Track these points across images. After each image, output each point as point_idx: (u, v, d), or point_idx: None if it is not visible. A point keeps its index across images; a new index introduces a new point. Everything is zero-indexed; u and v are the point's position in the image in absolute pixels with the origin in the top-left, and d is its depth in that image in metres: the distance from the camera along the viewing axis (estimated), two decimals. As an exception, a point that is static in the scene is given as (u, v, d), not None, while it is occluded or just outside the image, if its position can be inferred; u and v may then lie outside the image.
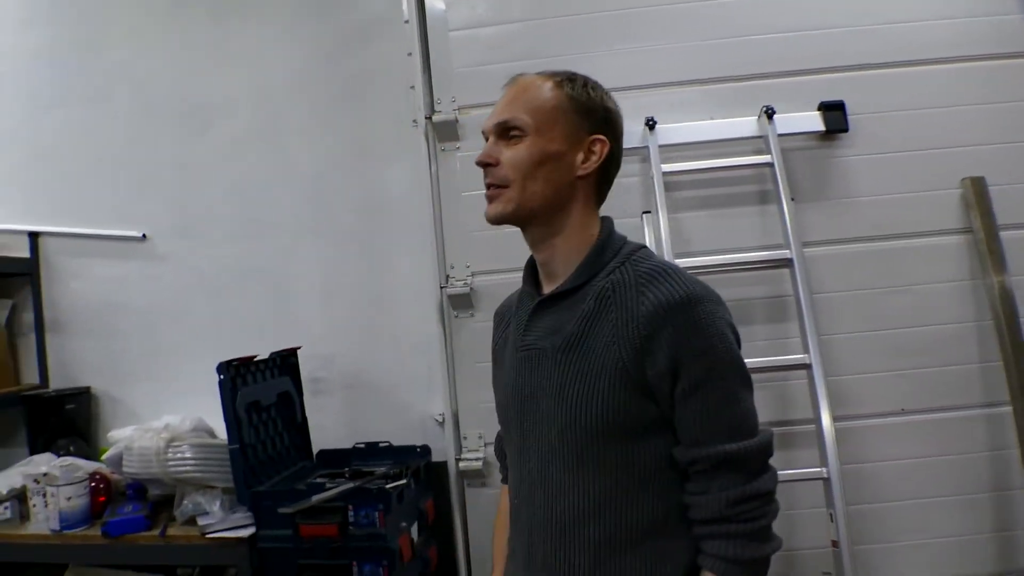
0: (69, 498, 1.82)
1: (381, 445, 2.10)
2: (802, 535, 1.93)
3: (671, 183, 2.09)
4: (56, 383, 2.35)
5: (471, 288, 2.17)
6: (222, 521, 1.79)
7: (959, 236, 2.08)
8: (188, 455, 1.82)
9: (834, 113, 2.07)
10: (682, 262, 1.85)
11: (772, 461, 0.94)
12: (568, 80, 0.98)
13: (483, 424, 2.17)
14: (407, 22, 2.23)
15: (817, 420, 1.85)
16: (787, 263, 1.95)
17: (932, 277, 2.08)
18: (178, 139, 2.38)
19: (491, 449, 2.15)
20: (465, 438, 2.19)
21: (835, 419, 1.91)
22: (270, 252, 2.33)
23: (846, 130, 2.08)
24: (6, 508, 1.90)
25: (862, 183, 2.10)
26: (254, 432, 1.88)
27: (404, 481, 1.79)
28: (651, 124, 2.06)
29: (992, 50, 2.08)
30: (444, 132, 2.22)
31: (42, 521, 1.85)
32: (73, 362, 2.38)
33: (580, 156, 0.97)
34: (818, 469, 1.83)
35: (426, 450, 2.11)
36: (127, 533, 1.79)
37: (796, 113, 2.08)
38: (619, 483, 0.92)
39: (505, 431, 1.09)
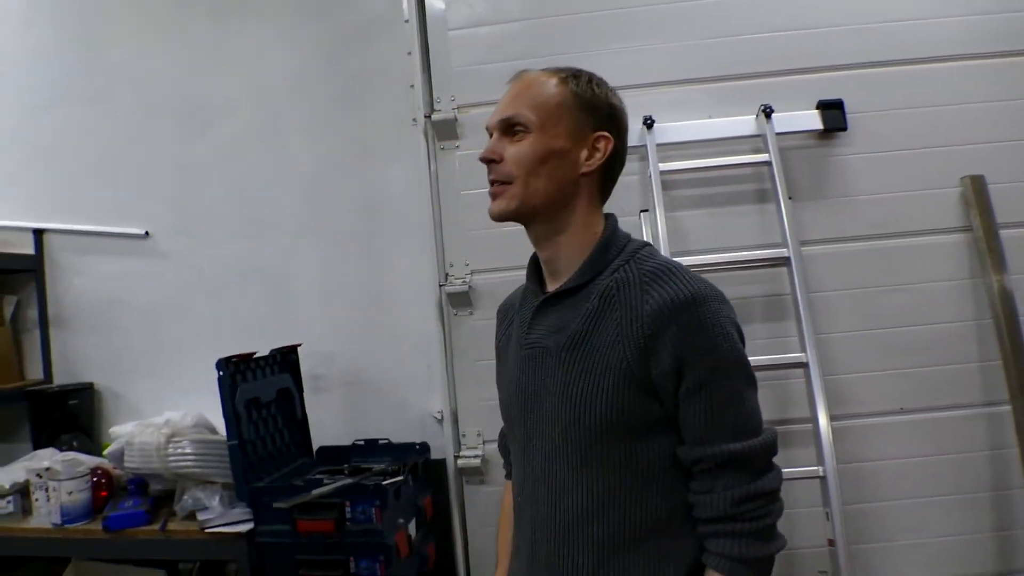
0: (71, 492, 1.83)
1: (380, 442, 2.11)
2: (799, 534, 1.93)
3: (669, 182, 2.09)
4: (60, 379, 2.38)
5: (470, 286, 2.18)
6: (221, 516, 1.81)
7: (958, 235, 2.07)
8: (188, 451, 1.83)
9: (833, 112, 2.07)
10: (680, 260, 1.85)
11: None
12: (573, 76, 0.98)
13: (482, 422, 2.19)
14: (407, 21, 2.24)
15: (814, 419, 1.85)
16: (784, 262, 1.95)
17: (931, 276, 2.07)
18: (179, 138, 2.39)
19: (489, 447, 2.17)
20: (464, 436, 2.20)
21: (834, 418, 1.92)
22: (270, 251, 2.34)
23: (845, 129, 2.07)
24: (9, 502, 1.92)
25: (861, 182, 2.10)
26: (254, 428, 1.89)
27: (401, 478, 1.80)
28: (649, 123, 2.07)
29: (992, 48, 2.08)
30: (443, 131, 2.23)
31: (44, 515, 1.87)
32: (76, 358, 2.40)
33: (584, 153, 0.96)
34: (814, 468, 1.82)
35: (425, 447, 2.12)
36: (127, 527, 1.80)
37: (795, 112, 2.08)
38: (623, 482, 0.92)
39: (509, 429, 1.09)
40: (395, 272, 2.28)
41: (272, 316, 2.31)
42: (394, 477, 1.81)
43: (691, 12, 2.15)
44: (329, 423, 2.23)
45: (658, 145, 2.06)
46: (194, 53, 2.39)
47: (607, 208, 1.03)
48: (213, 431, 1.99)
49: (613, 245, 0.98)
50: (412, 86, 2.22)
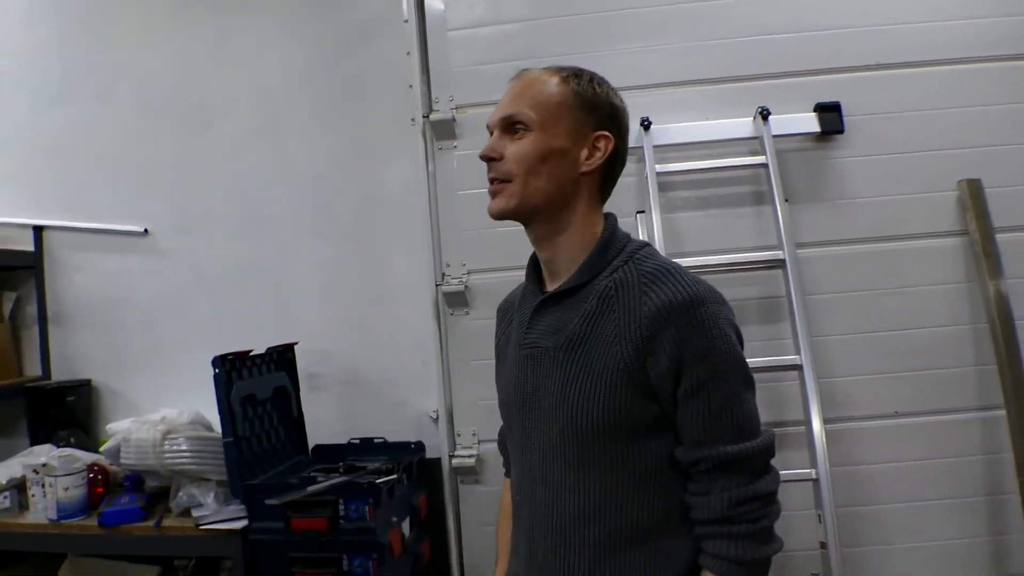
0: (67, 488, 1.85)
1: (376, 441, 2.12)
2: (791, 536, 1.90)
3: (666, 183, 2.10)
4: (58, 375, 2.39)
5: (466, 286, 2.18)
6: (216, 513, 1.82)
7: (955, 238, 2.07)
8: (184, 447, 1.84)
9: (830, 114, 2.07)
10: (678, 262, 1.86)
11: None
12: (574, 76, 0.97)
13: (477, 421, 2.19)
14: (406, 22, 2.25)
15: (807, 421, 1.85)
16: (780, 264, 1.96)
17: (927, 279, 2.07)
18: (179, 137, 2.41)
19: (484, 447, 2.17)
20: (459, 435, 2.20)
21: (829, 420, 1.93)
22: (269, 249, 2.36)
23: (842, 131, 2.07)
24: (5, 497, 1.93)
25: (858, 184, 2.10)
26: (249, 426, 1.91)
27: (395, 476, 1.81)
28: (646, 124, 2.07)
29: (990, 52, 2.07)
30: (441, 131, 2.23)
31: (40, 511, 1.88)
32: (75, 354, 2.41)
33: (584, 152, 0.96)
34: (807, 470, 1.83)
35: (420, 446, 2.13)
36: (123, 523, 1.82)
37: (792, 114, 2.08)
38: (620, 482, 0.92)
39: (507, 428, 1.09)
40: (392, 271, 2.29)
41: (270, 314, 2.32)
42: (388, 476, 1.81)
43: (689, 14, 2.16)
44: (325, 421, 2.24)
45: (655, 146, 2.07)
46: (195, 52, 2.41)
47: (606, 208, 1.03)
48: (209, 428, 2.00)
49: (612, 245, 0.97)
50: (411, 86, 2.23)
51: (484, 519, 2.15)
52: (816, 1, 2.12)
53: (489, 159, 0.97)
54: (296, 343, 2.17)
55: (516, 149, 0.95)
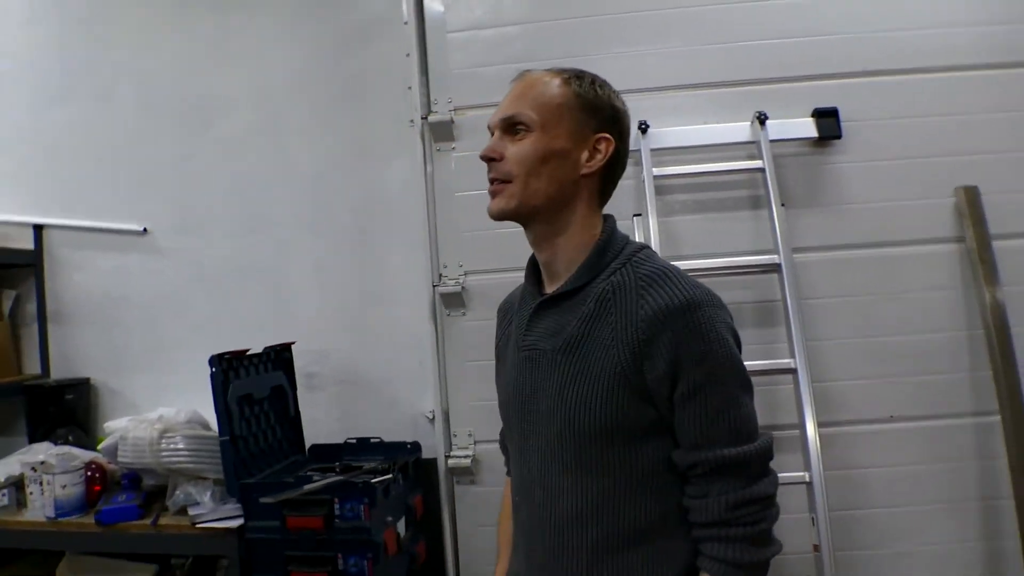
0: (64, 486, 1.85)
1: (372, 441, 2.12)
2: (785, 539, 1.90)
3: (663, 186, 2.11)
4: (57, 373, 2.40)
5: (463, 287, 2.19)
6: (212, 512, 1.83)
7: (951, 245, 2.07)
8: (181, 446, 1.85)
9: (827, 120, 2.07)
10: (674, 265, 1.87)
11: None
12: (576, 77, 0.98)
13: (473, 422, 2.20)
14: (406, 23, 2.26)
15: (801, 424, 1.86)
16: (776, 268, 1.96)
17: (924, 285, 2.07)
18: (180, 136, 2.41)
19: (480, 447, 2.18)
20: (455, 435, 2.21)
21: (824, 424, 1.93)
22: (268, 249, 2.36)
23: (839, 137, 2.08)
24: (3, 495, 1.94)
25: (855, 190, 2.10)
26: (246, 425, 1.91)
27: (390, 476, 1.81)
28: (644, 128, 2.08)
29: (988, 59, 2.08)
30: (440, 132, 2.24)
31: (38, 508, 1.89)
32: (74, 353, 2.42)
33: (585, 154, 0.96)
34: (801, 474, 1.83)
35: (416, 447, 2.13)
36: (120, 522, 1.82)
37: (790, 119, 2.08)
38: (617, 485, 0.92)
39: (507, 428, 1.09)
40: (390, 271, 2.30)
41: (268, 314, 2.33)
42: (384, 476, 1.82)
43: (689, 18, 2.16)
44: (322, 421, 2.25)
45: (652, 150, 2.08)
46: (195, 52, 2.41)
47: (605, 211, 1.03)
48: (207, 427, 2.00)
49: (611, 248, 0.97)
50: (410, 88, 2.24)
51: (480, 519, 2.16)
52: (815, 7, 2.12)
53: (489, 159, 0.97)
54: (294, 343, 2.18)
55: (517, 150, 0.95)
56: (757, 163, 2.03)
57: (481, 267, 2.19)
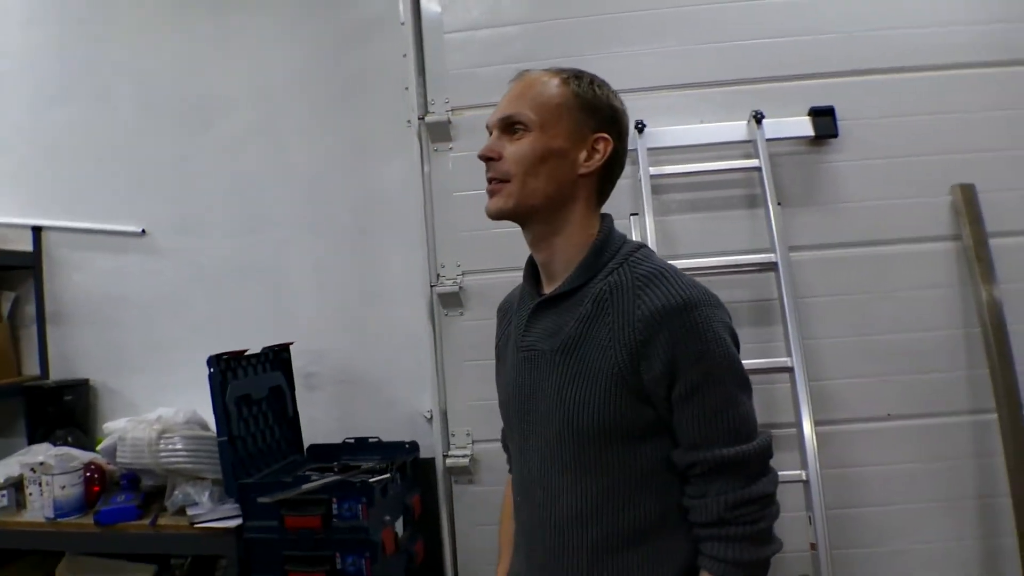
0: (64, 487, 1.86)
1: (370, 440, 2.12)
2: (783, 538, 1.92)
3: (660, 186, 2.11)
4: (56, 374, 2.40)
5: (461, 287, 2.20)
6: (211, 512, 1.83)
7: (948, 243, 2.08)
8: (179, 446, 1.85)
9: (824, 118, 2.08)
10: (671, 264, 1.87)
11: None
12: (574, 77, 0.98)
13: (471, 421, 2.20)
14: (403, 24, 2.26)
15: (798, 423, 1.86)
16: (772, 267, 1.96)
17: (921, 283, 2.08)
18: (179, 136, 2.41)
19: (478, 447, 2.19)
20: (453, 435, 2.22)
21: (821, 423, 1.93)
22: (267, 249, 2.36)
23: (836, 135, 2.08)
24: (3, 496, 1.94)
25: (851, 188, 2.11)
26: (244, 425, 1.91)
27: (387, 475, 1.82)
28: (640, 127, 2.08)
29: (984, 58, 2.08)
30: (437, 133, 2.24)
31: (37, 509, 1.90)
32: (73, 354, 2.42)
33: (583, 154, 0.96)
34: (798, 472, 1.83)
35: (414, 446, 2.14)
36: (119, 522, 1.83)
37: (786, 118, 2.08)
38: (617, 485, 0.92)
39: (507, 428, 1.10)
40: (389, 271, 2.30)
41: (268, 313, 2.33)
42: (382, 475, 1.82)
43: (685, 18, 2.16)
44: (321, 421, 2.25)
45: (649, 149, 2.08)
46: (195, 51, 2.41)
47: (603, 210, 1.03)
48: (205, 427, 2.01)
49: (608, 247, 0.97)
50: (407, 88, 2.24)
51: (478, 519, 2.17)
52: (811, 6, 2.12)
53: (488, 159, 0.97)
54: (292, 343, 2.19)
55: (515, 149, 0.95)
56: (753, 162, 2.03)
57: (479, 267, 2.19)
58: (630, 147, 2.06)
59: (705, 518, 0.91)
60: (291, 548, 1.74)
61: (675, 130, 2.10)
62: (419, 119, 2.24)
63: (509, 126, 0.97)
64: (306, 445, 2.18)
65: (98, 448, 2.00)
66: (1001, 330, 1.97)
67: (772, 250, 1.97)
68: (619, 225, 1.04)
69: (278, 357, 2.14)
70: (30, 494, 1.93)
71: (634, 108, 2.06)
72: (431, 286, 2.22)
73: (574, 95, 0.96)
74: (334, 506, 1.72)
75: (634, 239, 1.99)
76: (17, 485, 1.97)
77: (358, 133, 2.34)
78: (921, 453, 2.04)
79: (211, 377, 1.81)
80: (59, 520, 1.85)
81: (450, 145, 2.25)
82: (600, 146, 0.97)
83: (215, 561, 1.99)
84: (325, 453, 2.12)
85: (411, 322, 2.23)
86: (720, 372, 0.90)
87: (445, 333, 2.24)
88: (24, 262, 2.41)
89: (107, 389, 2.41)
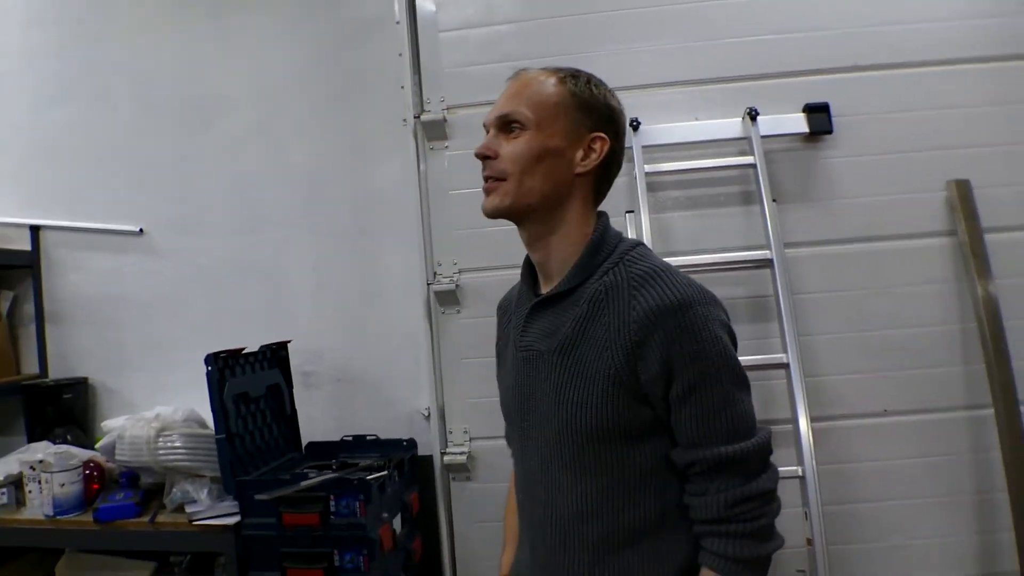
0: (63, 485, 1.87)
1: (368, 438, 2.13)
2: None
3: (655, 183, 2.12)
4: (55, 373, 2.41)
5: (457, 285, 2.20)
6: (209, 509, 1.84)
7: (943, 239, 2.08)
8: (178, 444, 1.86)
9: (818, 115, 2.08)
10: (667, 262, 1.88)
11: None
12: (571, 76, 0.98)
13: (469, 419, 2.21)
14: (398, 23, 2.27)
15: (794, 419, 1.87)
16: (768, 263, 1.97)
17: (916, 279, 2.08)
18: (177, 136, 2.42)
19: (476, 444, 2.20)
20: (451, 432, 2.22)
21: (818, 419, 1.94)
22: (265, 248, 2.37)
23: (830, 132, 2.08)
24: (3, 494, 1.95)
25: (846, 185, 2.11)
26: (243, 423, 1.92)
27: (385, 473, 1.83)
28: (635, 125, 2.09)
29: (979, 53, 2.08)
30: (432, 131, 2.25)
31: (37, 507, 1.90)
32: (72, 353, 2.43)
33: (580, 153, 0.96)
34: (794, 468, 1.84)
35: (412, 444, 2.14)
36: (118, 519, 1.84)
37: (780, 115, 2.09)
38: (617, 484, 0.93)
39: (509, 427, 1.10)
40: (386, 270, 2.30)
41: (266, 311, 2.34)
42: (380, 472, 1.83)
43: (679, 15, 2.17)
44: (319, 419, 2.26)
45: (644, 146, 2.08)
46: (194, 51, 2.42)
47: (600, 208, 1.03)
48: (203, 425, 2.02)
49: (603, 246, 0.97)
50: (402, 87, 2.25)
51: (476, 516, 2.18)
52: (806, 2, 2.13)
53: (484, 157, 0.97)
54: (290, 341, 2.19)
55: (512, 148, 0.95)
56: (748, 159, 2.04)
57: (475, 265, 2.20)
58: (626, 145, 2.10)
59: (706, 515, 0.91)
60: (289, 545, 1.75)
61: (670, 127, 2.11)
62: (415, 118, 2.25)
63: (506, 125, 0.97)
64: (304, 443, 2.19)
65: (97, 446, 2.01)
66: (997, 325, 1.98)
67: (767, 247, 1.97)
68: (615, 223, 1.04)
69: (276, 355, 2.14)
70: (29, 492, 1.94)
71: (629, 106, 2.06)
72: (428, 284, 2.22)
73: (571, 94, 0.96)
74: (332, 503, 1.73)
75: (630, 236, 2.03)
76: (16, 483, 1.98)
77: (356, 132, 2.35)
78: (918, 449, 2.04)
79: (209, 375, 1.81)
80: (58, 518, 1.86)
81: (446, 143, 2.26)
82: (597, 145, 0.97)
83: (214, 558, 1.99)
84: (323, 451, 2.13)
85: (408, 320, 2.24)
86: (716, 371, 0.89)
87: (442, 331, 2.24)
88: (23, 261, 2.42)
89: (106, 388, 2.42)
